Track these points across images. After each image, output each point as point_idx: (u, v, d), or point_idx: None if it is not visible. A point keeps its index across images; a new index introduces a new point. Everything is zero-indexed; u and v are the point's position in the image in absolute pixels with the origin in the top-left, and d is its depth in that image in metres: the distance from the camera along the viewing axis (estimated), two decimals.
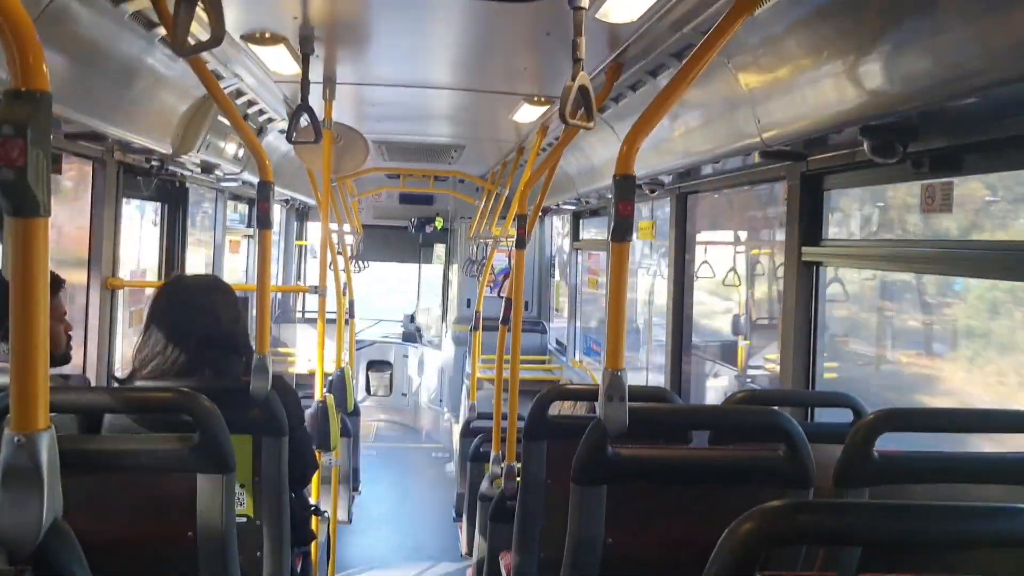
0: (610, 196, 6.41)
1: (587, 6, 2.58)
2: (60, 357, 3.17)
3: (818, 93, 2.72)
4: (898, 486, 2.22)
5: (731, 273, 7.58)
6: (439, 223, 11.66)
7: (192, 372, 2.90)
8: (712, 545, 1.26)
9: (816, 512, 1.29)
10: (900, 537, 1.28)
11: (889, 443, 2.23)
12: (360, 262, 10.06)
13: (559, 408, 3.98)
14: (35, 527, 1.25)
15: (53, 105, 2.81)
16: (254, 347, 2.95)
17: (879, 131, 2.71)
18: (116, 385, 2.95)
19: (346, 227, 8.27)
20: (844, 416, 3.00)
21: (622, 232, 2.20)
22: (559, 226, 11.10)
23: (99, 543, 2.24)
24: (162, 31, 3.31)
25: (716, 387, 8.71)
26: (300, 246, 11.74)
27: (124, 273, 4.89)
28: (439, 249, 12.49)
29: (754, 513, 1.26)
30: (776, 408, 2.45)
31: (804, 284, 3.70)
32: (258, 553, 2.81)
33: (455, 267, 11.83)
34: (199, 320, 2.94)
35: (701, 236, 6.45)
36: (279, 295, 10.87)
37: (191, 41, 2.39)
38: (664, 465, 2.30)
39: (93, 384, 4.40)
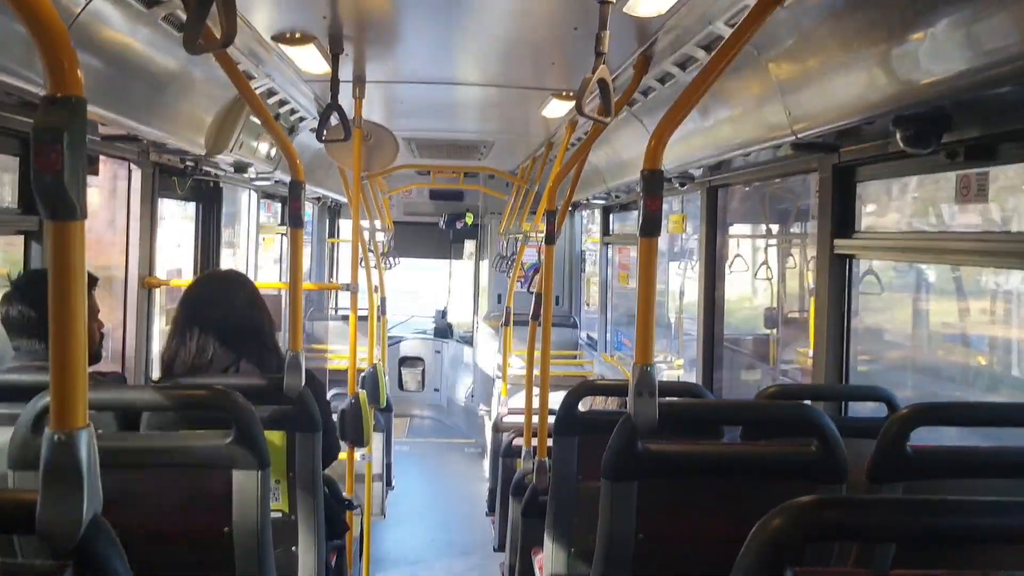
0: (640, 190, 6.40)
1: (614, 0, 2.58)
2: (92, 355, 3.23)
3: (849, 84, 2.69)
4: (933, 481, 2.20)
5: (763, 267, 7.53)
6: (469, 219, 11.68)
7: (224, 367, 2.95)
8: (744, 540, 1.26)
9: (844, 508, 1.28)
10: (929, 533, 1.28)
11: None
12: (391, 259, 10.10)
13: (590, 403, 3.98)
14: (76, 523, 1.28)
15: (89, 108, 2.86)
16: (286, 344, 3.00)
17: (912, 121, 2.68)
18: (153, 383, 3.01)
19: (377, 223, 8.31)
20: (878, 410, 2.98)
21: (651, 227, 2.20)
22: (588, 221, 11.09)
23: (137, 538, 2.29)
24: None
25: (748, 381, 8.66)
26: (332, 243, 11.81)
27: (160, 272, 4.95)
28: (470, 245, 12.51)
29: (783, 509, 1.26)
30: (808, 402, 2.43)
31: (836, 277, 3.67)
32: (293, 548, 2.85)
33: (485, 263, 11.85)
34: (234, 316, 3.01)
35: (733, 229, 6.41)
36: (312, 292, 10.95)
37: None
38: (694, 460, 2.30)
39: (130, 381, 4.48)
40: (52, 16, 1.24)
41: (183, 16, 3.16)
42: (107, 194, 4.74)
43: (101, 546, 1.31)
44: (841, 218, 3.64)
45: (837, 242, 3.63)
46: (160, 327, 4.99)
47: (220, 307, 3.03)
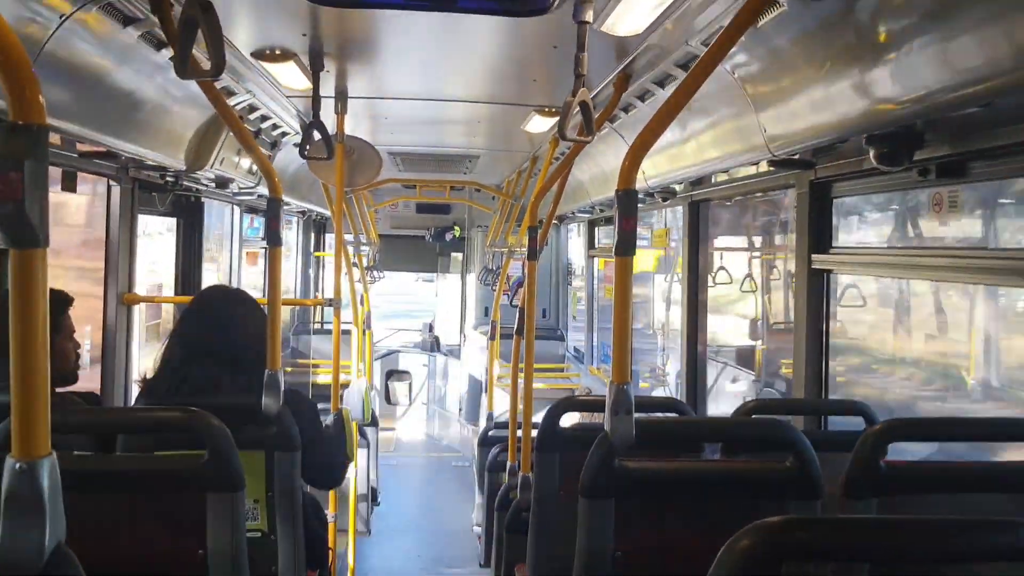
0: (615, 210, 6.41)
1: (591, 20, 2.60)
2: (69, 375, 3.21)
3: (822, 103, 2.71)
4: (907, 496, 2.21)
5: (747, 279, 7.57)
6: (456, 232, 11.68)
7: (209, 386, 2.93)
8: None
9: (813, 528, 1.29)
10: (898, 553, 1.28)
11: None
12: (375, 272, 10.09)
13: (578, 417, 3.99)
14: (38, 553, 1.27)
15: (66, 125, 2.84)
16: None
17: (885, 139, 2.70)
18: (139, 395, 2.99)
19: (362, 237, 8.30)
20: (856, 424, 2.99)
21: (626, 246, 2.20)
22: (574, 234, 11.11)
23: (110, 563, 2.28)
24: (171, 51, 3.35)
25: (734, 392, 8.68)
26: (318, 257, 11.79)
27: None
28: (456, 258, 12.51)
29: (750, 530, 1.26)
30: (782, 418, 2.44)
31: (815, 291, 3.69)
32: (272, 567, 2.83)
33: (472, 276, 11.85)
34: (221, 334, 2.99)
35: (717, 242, 6.44)
36: (295, 307, 10.92)
37: (199, 62, 2.44)
38: (671, 478, 2.30)
39: (111, 399, 4.46)
40: (13, 43, 1.24)
41: (161, 34, 3.17)
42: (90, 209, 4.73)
43: None
44: (818, 233, 3.66)
45: (815, 257, 3.66)
46: (140, 344, 4.96)
47: (209, 326, 3.00)
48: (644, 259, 8.27)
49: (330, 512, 4.74)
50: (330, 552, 3.74)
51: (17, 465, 1.28)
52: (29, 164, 1.23)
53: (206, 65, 2.38)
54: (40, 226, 1.25)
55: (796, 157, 3.36)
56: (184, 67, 2.31)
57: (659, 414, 3.30)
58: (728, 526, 1.37)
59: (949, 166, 2.76)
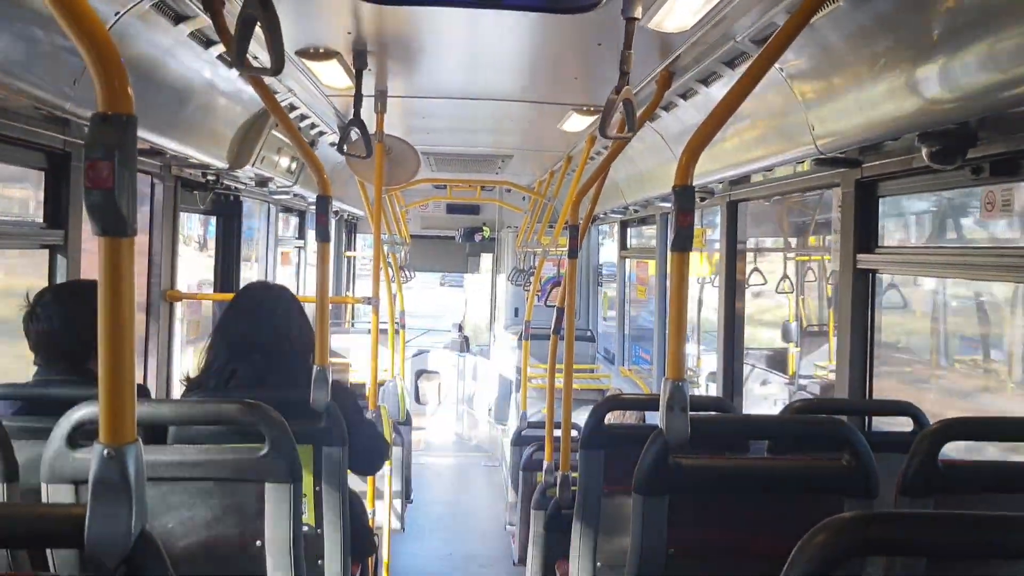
0: (660, 204, 6.40)
1: (640, 16, 2.60)
2: None
3: (875, 101, 2.70)
4: (963, 496, 2.19)
5: (784, 281, 7.53)
6: (487, 232, 11.70)
7: (255, 381, 2.96)
8: (775, 554, 1.26)
9: (890, 524, 1.28)
10: (977, 549, 1.27)
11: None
12: (407, 272, 10.13)
13: (608, 417, 3.98)
14: (124, 537, 1.29)
15: None
16: (313, 359, 3.01)
17: (937, 137, 2.69)
18: (184, 390, 3.02)
19: (395, 237, 8.33)
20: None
21: (682, 242, 2.20)
22: (606, 235, 11.09)
23: (171, 552, 2.31)
24: (219, 48, 3.38)
25: (766, 395, 8.64)
26: (349, 257, 11.84)
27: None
28: (486, 259, 12.52)
29: (827, 524, 1.26)
30: (839, 417, 2.43)
31: (860, 292, 3.67)
32: (320, 561, 2.86)
33: (502, 277, 11.86)
34: (265, 329, 3.01)
35: (751, 243, 6.42)
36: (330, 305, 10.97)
37: (251, 60, 2.48)
38: (726, 475, 2.30)
39: (153, 395, 4.51)
40: (104, 36, 1.27)
41: (210, 32, 3.21)
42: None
43: (148, 560, 1.32)
44: (864, 233, 3.63)
45: (860, 257, 3.63)
46: (182, 340, 5.01)
47: (253, 321, 3.03)
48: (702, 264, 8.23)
49: (368, 507, 4.76)
50: (372, 546, 3.76)
51: (105, 451, 1.31)
52: (119, 154, 1.25)
53: (254, 63, 2.40)
54: (128, 215, 1.27)
55: (843, 156, 3.34)
56: (241, 63, 2.34)
57: (705, 413, 3.29)
58: (783, 524, 1.37)
59: (1003, 164, 2.74)
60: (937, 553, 1.33)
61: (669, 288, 2.27)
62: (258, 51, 3.13)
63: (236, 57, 2.34)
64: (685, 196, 2.15)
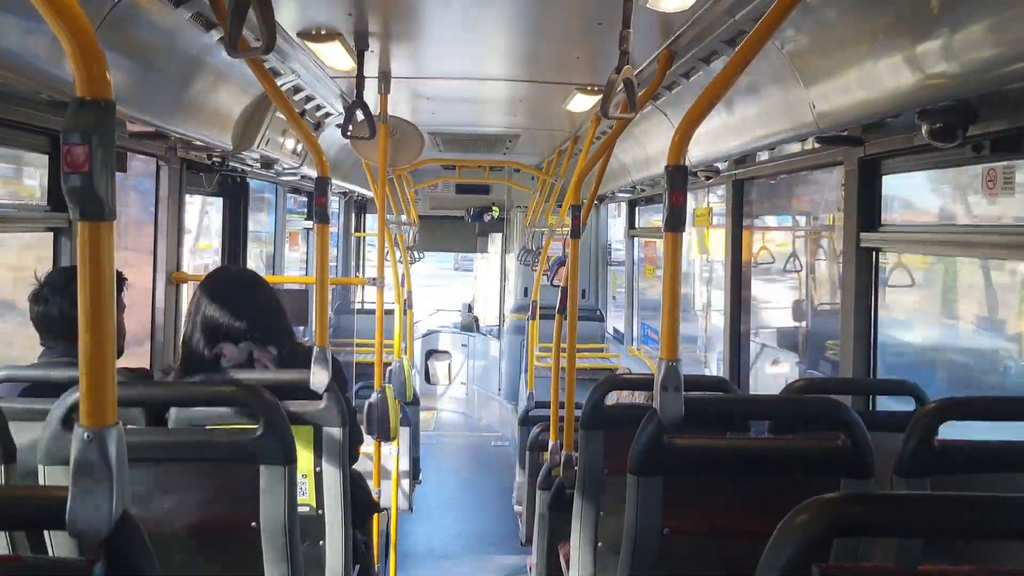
0: (664, 185, 6.37)
1: None
2: (120, 349, 3.29)
3: (874, 77, 2.67)
4: (961, 476, 2.18)
5: (792, 259, 7.48)
6: (495, 212, 11.69)
7: (246, 362, 2.98)
8: (770, 534, 1.26)
9: (872, 504, 1.28)
10: (957, 529, 1.27)
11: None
12: (416, 252, 10.14)
13: (616, 397, 3.98)
14: (105, 519, 1.30)
15: (118, 106, 2.89)
16: (313, 339, 3.02)
17: (937, 114, 2.66)
18: (174, 373, 3.04)
19: (403, 218, 8.33)
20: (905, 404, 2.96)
21: (675, 222, 2.19)
22: (615, 215, 11.06)
23: (166, 532, 2.33)
24: (221, 31, 3.38)
25: (776, 374, 8.61)
26: (358, 238, 11.86)
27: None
28: (495, 239, 12.52)
29: (810, 504, 1.25)
30: (835, 397, 2.42)
31: (863, 270, 3.65)
32: (321, 542, 2.88)
33: (511, 256, 11.86)
34: (245, 309, 3.02)
35: (757, 222, 6.38)
36: (339, 287, 11.02)
37: (249, 41, 2.47)
38: (721, 455, 2.30)
39: (156, 377, 4.54)
40: (81, 20, 1.26)
41: (210, 15, 3.20)
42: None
43: (129, 542, 1.33)
44: (867, 211, 3.61)
45: (863, 235, 3.61)
46: None
47: (231, 302, 3.04)
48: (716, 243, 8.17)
49: (374, 488, 4.79)
50: (374, 525, 3.78)
51: (86, 434, 1.32)
52: (96, 138, 1.25)
53: (255, 45, 2.40)
54: (107, 199, 1.28)
55: (845, 134, 3.31)
56: (234, 45, 2.34)
57: (704, 393, 3.29)
58: (778, 503, 1.37)
59: (1004, 141, 2.71)
60: (921, 533, 1.33)
61: (663, 268, 2.27)
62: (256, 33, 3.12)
63: (228, 39, 2.34)
64: (678, 175, 2.14)
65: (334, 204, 10.68)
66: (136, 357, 4.65)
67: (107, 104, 1.27)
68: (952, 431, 2.23)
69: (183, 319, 3.21)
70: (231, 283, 3.15)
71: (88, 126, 1.25)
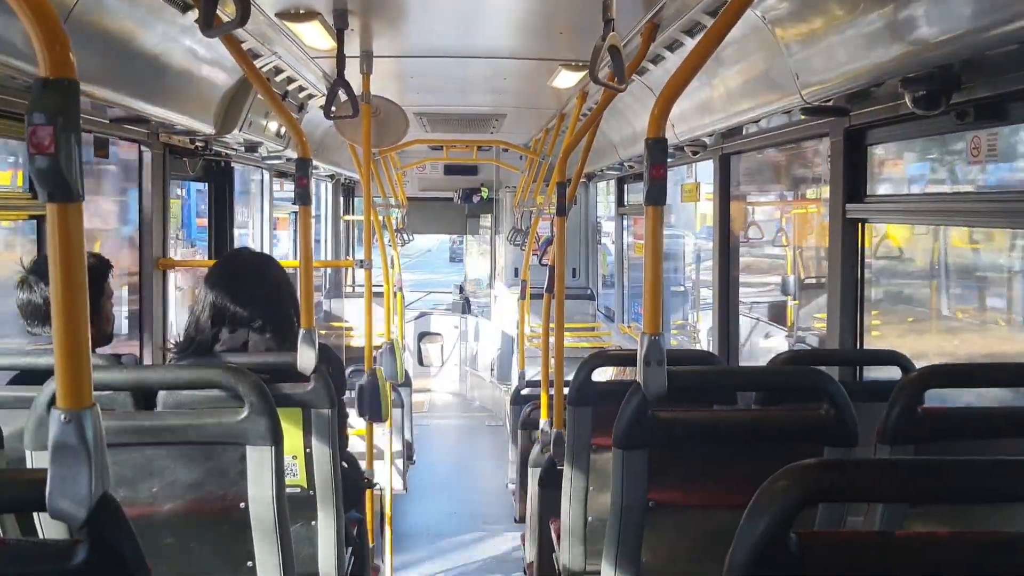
0: (645, 157, 6.35)
1: None
2: (106, 337, 3.29)
3: (856, 45, 2.66)
4: (945, 443, 2.19)
5: (780, 234, 7.51)
6: (484, 193, 11.67)
7: (240, 346, 2.99)
8: None
9: (847, 469, 1.28)
10: (931, 493, 1.27)
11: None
12: (405, 235, 10.11)
13: (610, 374, 3.99)
14: (84, 500, 1.30)
15: (96, 90, 2.87)
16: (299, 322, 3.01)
17: (921, 82, 2.65)
18: (171, 356, 3.05)
19: (391, 200, 8.30)
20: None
21: (656, 195, 2.18)
22: (603, 193, 11.05)
23: (157, 514, 2.33)
24: (197, 13, 3.35)
25: (768, 348, 8.65)
26: (347, 221, 11.83)
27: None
28: (485, 220, 12.50)
29: (787, 471, 1.26)
30: (818, 367, 2.43)
31: (849, 241, 3.65)
32: (313, 522, 2.89)
33: (501, 237, 11.85)
34: (252, 294, 3.03)
35: (749, 197, 6.38)
36: (328, 270, 11.00)
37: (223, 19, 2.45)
38: (703, 427, 2.30)
39: (147, 363, 4.53)
40: (43, 1, 1.25)
41: None
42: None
43: (109, 523, 1.33)
44: (853, 182, 3.60)
45: (849, 206, 3.61)
46: (177, 308, 5.02)
47: (234, 288, 3.05)
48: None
49: (367, 469, 4.80)
50: (369, 505, 3.79)
51: (63, 416, 1.31)
52: (62, 119, 1.24)
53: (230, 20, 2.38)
54: (74, 180, 1.26)
55: (830, 104, 3.30)
56: (209, 22, 2.32)
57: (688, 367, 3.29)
58: (762, 474, 1.37)
59: (988, 108, 2.70)
60: (896, 497, 1.33)
61: (645, 242, 2.26)
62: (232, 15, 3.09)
63: (203, 17, 2.32)
64: (657, 148, 2.13)
65: (320, 187, 10.65)
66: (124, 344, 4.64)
67: (71, 84, 1.26)
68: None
69: (172, 304, 3.21)
70: (240, 268, 3.15)
71: (53, 107, 1.23)
